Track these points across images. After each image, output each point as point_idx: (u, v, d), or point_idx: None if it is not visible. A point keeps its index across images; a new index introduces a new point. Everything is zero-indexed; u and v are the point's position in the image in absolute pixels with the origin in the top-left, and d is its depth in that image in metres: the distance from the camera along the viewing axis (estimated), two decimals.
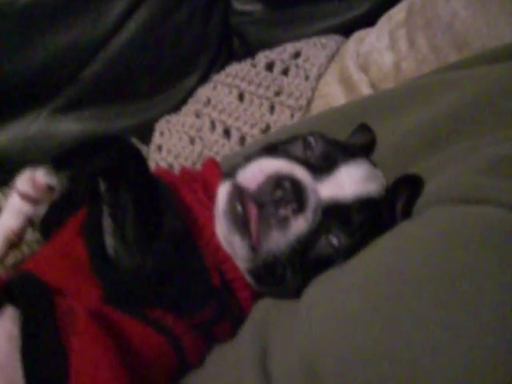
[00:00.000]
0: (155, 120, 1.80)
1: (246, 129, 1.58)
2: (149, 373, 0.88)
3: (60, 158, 0.89)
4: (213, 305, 0.92)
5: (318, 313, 0.80)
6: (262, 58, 1.68)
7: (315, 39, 1.69)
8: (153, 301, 0.89)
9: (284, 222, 0.87)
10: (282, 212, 0.87)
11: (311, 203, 0.88)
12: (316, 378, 0.74)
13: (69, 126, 1.80)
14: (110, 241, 0.88)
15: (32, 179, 0.89)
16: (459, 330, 0.65)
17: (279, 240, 0.88)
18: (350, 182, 0.92)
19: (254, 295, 0.98)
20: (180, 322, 0.91)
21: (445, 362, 0.64)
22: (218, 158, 1.56)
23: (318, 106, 1.55)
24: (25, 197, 0.92)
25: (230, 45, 1.94)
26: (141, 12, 1.75)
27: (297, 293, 0.90)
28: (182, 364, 0.93)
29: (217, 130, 1.62)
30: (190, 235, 0.93)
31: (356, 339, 0.72)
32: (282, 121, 1.56)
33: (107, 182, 0.88)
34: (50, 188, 0.88)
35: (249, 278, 0.95)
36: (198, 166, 1.61)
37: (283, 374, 0.80)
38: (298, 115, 1.55)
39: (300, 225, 0.88)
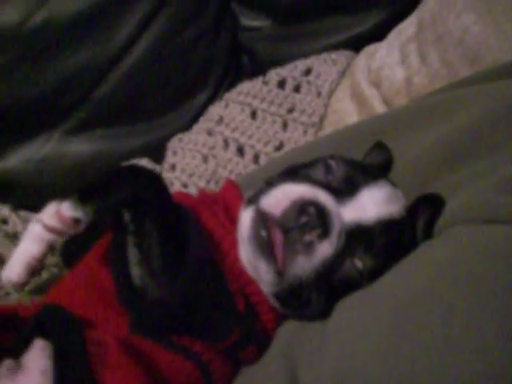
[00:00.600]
0: (166, 139, 1.81)
1: (259, 146, 1.58)
2: None
3: (85, 191, 0.89)
4: (238, 330, 0.92)
5: (347, 337, 0.81)
6: (274, 75, 1.68)
7: (325, 55, 1.70)
8: (180, 329, 0.90)
9: (309, 247, 0.87)
10: (308, 237, 0.87)
11: (336, 228, 0.88)
12: None
13: (81, 147, 1.80)
14: (136, 271, 0.89)
15: (58, 213, 0.90)
16: (493, 357, 0.65)
17: (305, 265, 0.88)
18: (372, 204, 0.92)
19: (279, 317, 0.98)
20: (207, 347, 0.91)
21: None
22: (233, 176, 1.57)
23: (330, 123, 1.56)
24: (50, 229, 0.92)
25: (239, 61, 1.95)
26: (150, 32, 1.75)
27: (322, 315, 0.90)
28: None
29: (230, 148, 1.62)
30: (215, 261, 0.93)
31: (386, 364, 0.72)
32: (296, 138, 1.56)
33: (131, 212, 0.89)
34: (76, 221, 0.89)
35: (273, 301, 0.95)
36: (212, 185, 1.62)
37: None
38: (311, 132, 1.55)
39: (325, 249, 0.88)
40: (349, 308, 0.87)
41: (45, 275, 1.23)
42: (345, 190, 0.93)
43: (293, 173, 0.99)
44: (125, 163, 1.74)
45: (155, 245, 0.87)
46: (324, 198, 0.90)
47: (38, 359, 0.84)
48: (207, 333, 0.91)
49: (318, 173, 0.96)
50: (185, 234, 0.91)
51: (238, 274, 0.95)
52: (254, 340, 0.96)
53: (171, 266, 0.88)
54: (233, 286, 0.93)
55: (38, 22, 1.65)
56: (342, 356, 0.79)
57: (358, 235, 0.90)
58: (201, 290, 0.89)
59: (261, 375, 0.92)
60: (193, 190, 1.63)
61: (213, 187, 1.61)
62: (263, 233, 0.89)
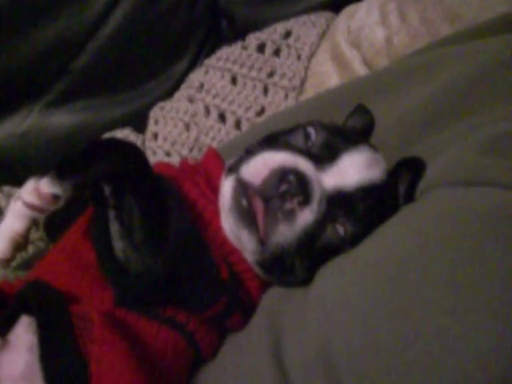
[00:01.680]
0: (148, 108, 1.79)
1: (240, 112, 1.57)
2: (166, 370, 0.89)
3: (63, 166, 0.89)
4: (223, 298, 0.93)
5: (328, 303, 0.81)
6: (253, 39, 1.67)
7: (305, 17, 1.68)
8: (164, 300, 0.90)
9: (290, 215, 0.88)
10: (288, 205, 0.87)
11: (316, 194, 0.88)
12: (331, 368, 0.75)
13: (62, 119, 1.78)
14: (118, 244, 0.88)
15: (37, 189, 0.89)
16: (468, 317, 0.66)
17: (286, 232, 0.88)
18: (352, 170, 0.92)
19: (263, 284, 0.99)
20: (193, 317, 0.92)
21: (456, 348, 0.65)
22: (215, 143, 1.57)
23: (311, 85, 1.55)
24: (30, 206, 0.91)
25: (219, 27, 1.93)
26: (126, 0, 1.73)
27: (305, 281, 0.91)
28: (196, 357, 0.95)
29: (212, 115, 1.61)
30: (197, 231, 0.93)
31: (367, 328, 0.73)
32: (277, 102, 1.55)
33: (111, 186, 0.88)
34: (56, 197, 0.88)
35: (257, 269, 0.96)
36: (195, 152, 1.62)
37: (298, 364, 0.81)
38: (292, 95, 1.54)
39: (306, 216, 0.88)
40: (331, 274, 0.87)
41: (31, 250, 1.23)
42: (325, 157, 0.92)
43: (272, 140, 0.98)
44: (106, 134, 1.73)
45: (136, 218, 0.87)
46: (304, 165, 0.90)
47: (24, 336, 0.84)
48: (192, 303, 0.91)
49: (298, 140, 0.96)
50: (166, 206, 0.91)
51: (221, 243, 0.95)
52: (239, 308, 0.96)
53: (153, 239, 0.87)
54: (216, 255, 0.93)
55: None
56: (325, 323, 0.79)
57: (339, 201, 0.90)
58: (184, 260, 0.89)
59: (246, 341, 0.93)
60: (176, 159, 1.62)
61: (196, 155, 1.61)
62: (244, 202, 0.89)
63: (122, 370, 0.80)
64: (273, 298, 0.96)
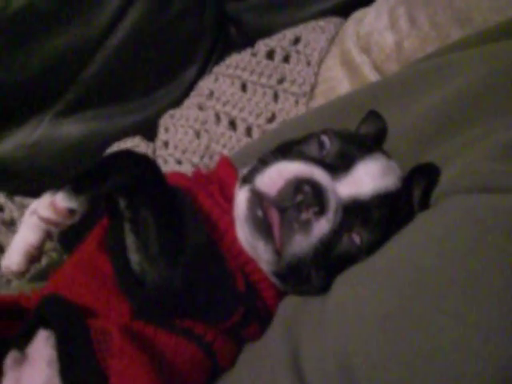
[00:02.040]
0: (158, 116, 1.80)
1: (251, 119, 1.58)
2: (184, 382, 0.89)
3: (78, 180, 0.89)
4: (240, 309, 0.93)
5: (346, 313, 0.81)
6: (262, 46, 1.67)
7: (313, 23, 1.68)
8: (181, 312, 0.90)
9: (306, 225, 0.87)
10: (304, 216, 0.87)
11: (332, 204, 0.88)
12: (351, 379, 0.74)
13: (72, 129, 1.80)
14: (134, 257, 0.89)
15: (53, 204, 0.89)
16: (491, 329, 0.65)
17: (303, 243, 0.88)
18: (367, 178, 0.92)
19: (279, 294, 0.98)
20: (210, 328, 0.92)
21: (478, 361, 0.64)
22: (226, 151, 1.57)
23: (321, 91, 1.55)
24: (46, 221, 0.91)
25: (227, 34, 1.93)
26: (135, 8, 1.74)
27: (322, 290, 0.90)
28: (214, 369, 0.94)
29: (222, 122, 1.62)
30: (213, 242, 0.93)
31: (386, 340, 0.73)
32: (287, 108, 1.56)
33: (127, 199, 0.88)
34: (72, 211, 0.88)
35: (273, 279, 0.96)
36: (206, 160, 1.62)
37: (318, 375, 0.80)
38: (302, 102, 1.54)
39: (322, 226, 0.88)
40: (349, 283, 0.87)
41: (44, 261, 1.23)
42: (339, 165, 0.92)
43: (286, 149, 0.98)
44: (116, 143, 1.73)
45: (152, 230, 0.87)
46: (319, 174, 0.90)
47: (43, 350, 0.84)
48: (209, 314, 0.91)
49: (312, 149, 0.96)
50: (181, 217, 0.91)
51: (236, 254, 0.95)
52: (256, 318, 0.96)
53: (169, 251, 0.87)
54: (232, 265, 0.93)
55: (22, 5, 1.63)
56: (344, 333, 0.79)
57: (354, 210, 0.90)
58: (200, 272, 0.89)
59: (263, 351, 0.93)
60: (187, 166, 1.63)
61: (207, 162, 1.61)
62: (259, 213, 0.89)
63: (142, 383, 0.80)
64: (289, 308, 0.95)
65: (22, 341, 0.87)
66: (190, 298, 0.89)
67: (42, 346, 0.85)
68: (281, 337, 0.91)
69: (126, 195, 0.89)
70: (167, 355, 0.87)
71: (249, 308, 0.94)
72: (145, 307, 0.89)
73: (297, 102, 1.55)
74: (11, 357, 0.85)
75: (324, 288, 0.90)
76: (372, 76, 1.48)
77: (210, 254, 0.92)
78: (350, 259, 0.90)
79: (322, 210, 0.87)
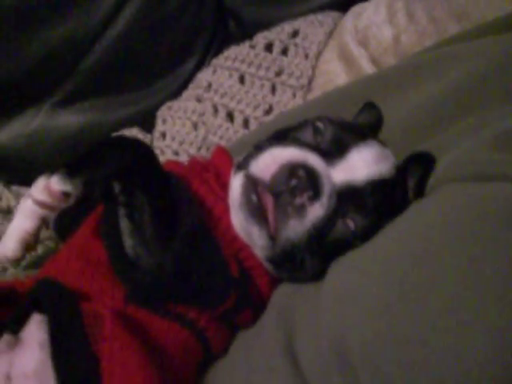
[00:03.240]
0: (156, 107, 1.80)
1: (248, 111, 1.58)
2: (176, 367, 0.89)
3: (73, 164, 0.89)
4: (233, 295, 0.93)
5: (341, 297, 0.81)
6: (261, 38, 1.68)
7: (312, 17, 1.68)
8: (175, 297, 0.90)
9: (301, 210, 0.87)
10: (298, 200, 0.87)
11: (326, 189, 0.88)
12: (347, 362, 0.74)
13: (70, 119, 1.80)
14: (128, 241, 0.88)
15: (47, 187, 0.89)
16: (486, 313, 0.65)
17: (297, 228, 0.88)
18: (361, 164, 0.92)
19: (273, 281, 0.98)
20: (203, 314, 0.92)
21: (474, 344, 0.64)
22: (223, 142, 1.57)
23: (319, 84, 1.55)
24: (41, 204, 0.92)
25: (226, 27, 1.93)
26: (133, 0, 1.74)
27: (316, 276, 0.91)
28: (207, 355, 0.95)
29: (220, 114, 1.62)
30: (207, 228, 0.94)
31: (381, 323, 0.72)
32: (285, 101, 1.56)
33: (121, 184, 0.89)
34: (66, 194, 0.89)
35: (267, 265, 0.96)
36: (203, 151, 1.62)
37: (313, 359, 0.80)
38: (299, 94, 1.55)
39: (317, 211, 0.88)
40: (343, 269, 0.87)
41: (40, 249, 1.23)
42: (334, 151, 0.92)
43: (281, 136, 0.98)
44: (115, 133, 1.73)
45: (146, 215, 0.87)
46: (313, 159, 0.90)
47: (36, 333, 0.84)
48: (202, 300, 0.91)
49: (307, 135, 0.96)
50: (176, 203, 0.91)
51: (230, 240, 0.95)
52: (249, 304, 0.96)
53: (163, 235, 0.88)
54: (226, 251, 0.93)
55: None
56: (339, 317, 0.79)
57: (348, 196, 0.90)
58: (193, 257, 0.89)
59: (257, 337, 0.93)
60: (184, 158, 1.63)
61: (204, 154, 1.61)
62: (254, 198, 0.89)
63: (133, 367, 0.80)
64: (283, 295, 0.96)
65: (16, 325, 0.87)
66: (182, 282, 0.89)
67: (35, 330, 0.85)
68: (275, 322, 0.91)
69: (120, 179, 0.89)
70: (159, 340, 0.88)
71: (242, 294, 0.94)
72: (138, 291, 0.89)
73: (294, 95, 1.56)
74: (4, 340, 0.85)
75: (318, 275, 0.90)
76: (369, 69, 1.48)
77: (204, 239, 0.92)
78: (344, 245, 0.90)
79: (316, 195, 0.87)
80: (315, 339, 0.81)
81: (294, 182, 0.87)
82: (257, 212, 0.89)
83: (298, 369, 0.81)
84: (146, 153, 0.94)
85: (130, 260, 0.89)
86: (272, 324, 0.91)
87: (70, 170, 0.88)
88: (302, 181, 0.87)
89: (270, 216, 0.88)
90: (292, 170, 0.88)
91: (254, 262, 0.96)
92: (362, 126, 1.07)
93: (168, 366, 0.87)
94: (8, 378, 0.82)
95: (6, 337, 0.85)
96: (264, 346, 0.89)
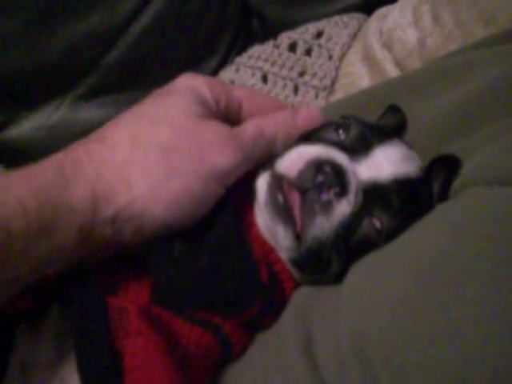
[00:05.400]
0: None
1: None
2: (195, 369, 0.87)
3: None
4: (259, 303, 0.90)
5: (363, 297, 0.81)
6: (285, 38, 1.68)
7: (337, 18, 1.69)
8: (201, 304, 0.89)
9: (327, 207, 0.87)
10: (325, 196, 0.86)
11: (353, 185, 0.88)
12: (366, 361, 0.74)
13: (91, 113, 1.80)
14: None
15: None
16: (511, 316, 0.65)
17: (324, 225, 0.87)
18: (387, 162, 0.91)
19: (296, 286, 0.97)
20: (228, 320, 0.90)
21: (498, 351, 0.64)
22: None
23: (342, 86, 1.55)
24: None
25: (250, 26, 1.94)
26: None
27: (338, 277, 0.90)
28: (225, 358, 0.93)
29: None
30: (240, 231, 0.92)
31: (404, 323, 0.72)
32: (307, 101, 1.56)
33: None
34: None
35: (291, 268, 0.94)
36: None
37: (331, 358, 0.79)
38: (322, 95, 1.55)
39: (343, 208, 0.87)
40: (365, 269, 0.86)
41: None
42: (359, 149, 0.92)
43: (306, 136, 0.98)
44: None
45: None
46: (339, 156, 0.89)
47: (54, 323, 0.85)
48: (228, 306, 0.89)
49: (331, 134, 0.96)
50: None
51: (261, 243, 0.93)
52: (273, 309, 0.94)
53: (198, 235, 0.88)
54: (257, 255, 0.91)
55: None
56: (359, 315, 0.79)
57: (374, 194, 0.89)
58: (227, 260, 0.88)
59: (275, 337, 0.92)
60: None
61: None
62: (280, 197, 0.88)
63: (156, 364, 0.78)
64: (302, 295, 0.95)
65: (38, 314, 0.86)
66: (213, 285, 0.87)
67: (54, 320, 0.85)
68: (292, 322, 0.90)
69: None
70: (181, 341, 0.85)
71: (268, 301, 0.92)
72: (168, 292, 0.87)
73: (317, 96, 1.56)
74: (21, 329, 0.85)
75: (341, 275, 0.89)
76: (393, 72, 1.48)
77: (237, 242, 0.91)
78: (369, 244, 0.89)
79: (343, 191, 0.87)
80: (333, 338, 0.81)
81: (320, 178, 0.86)
82: (283, 211, 0.88)
83: (316, 368, 0.81)
84: None
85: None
86: (290, 324, 0.90)
87: None
88: (329, 177, 0.86)
89: (297, 213, 0.87)
90: (318, 166, 0.87)
91: (281, 266, 0.94)
92: (386, 127, 1.07)
93: (188, 367, 0.85)
94: (22, 367, 0.83)
95: (23, 326, 0.86)
96: (281, 345, 0.89)
